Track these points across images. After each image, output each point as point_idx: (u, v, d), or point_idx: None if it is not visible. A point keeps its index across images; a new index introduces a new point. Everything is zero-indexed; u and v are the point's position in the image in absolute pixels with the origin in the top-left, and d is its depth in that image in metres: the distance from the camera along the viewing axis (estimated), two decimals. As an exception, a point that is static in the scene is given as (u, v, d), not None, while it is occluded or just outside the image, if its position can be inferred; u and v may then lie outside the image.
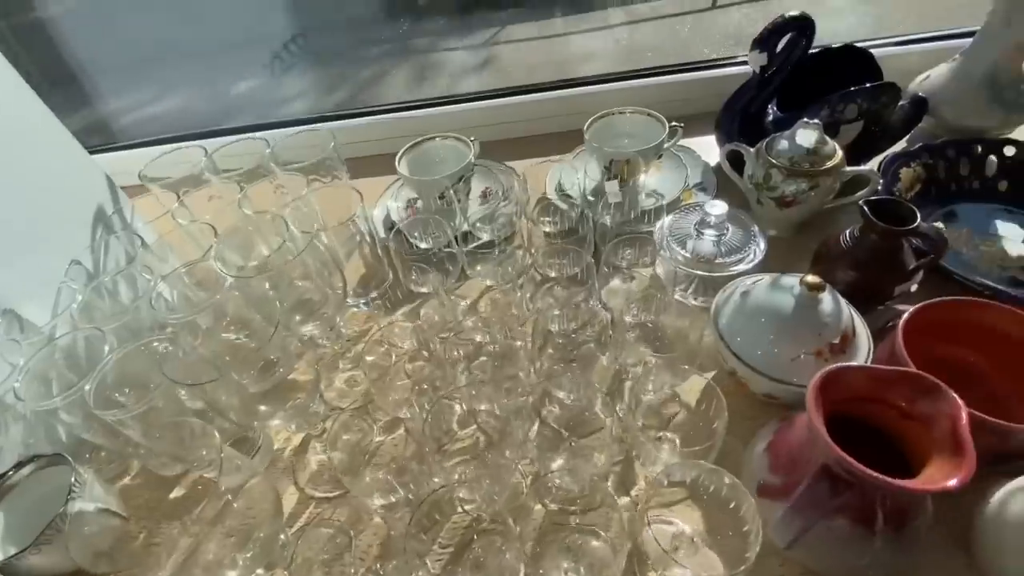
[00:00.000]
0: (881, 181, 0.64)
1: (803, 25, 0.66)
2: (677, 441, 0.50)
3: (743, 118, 0.74)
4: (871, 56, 0.73)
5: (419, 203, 0.81)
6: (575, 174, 0.74)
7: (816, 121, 0.61)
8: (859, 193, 0.65)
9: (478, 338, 0.59)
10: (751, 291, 0.50)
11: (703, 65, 0.91)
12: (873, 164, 0.70)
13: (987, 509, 0.39)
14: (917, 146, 0.68)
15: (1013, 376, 0.46)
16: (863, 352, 0.46)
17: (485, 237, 0.67)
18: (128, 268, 0.64)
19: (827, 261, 0.57)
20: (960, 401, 0.34)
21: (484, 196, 0.82)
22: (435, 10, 2.20)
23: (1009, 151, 0.67)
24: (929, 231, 0.50)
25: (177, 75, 1.96)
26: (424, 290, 0.64)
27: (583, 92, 0.92)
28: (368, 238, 0.67)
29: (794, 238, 0.69)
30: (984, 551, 0.39)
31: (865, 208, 0.52)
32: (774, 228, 0.70)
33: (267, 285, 0.59)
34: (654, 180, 0.79)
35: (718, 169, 0.76)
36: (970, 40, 0.71)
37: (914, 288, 0.55)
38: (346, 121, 0.98)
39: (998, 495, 0.40)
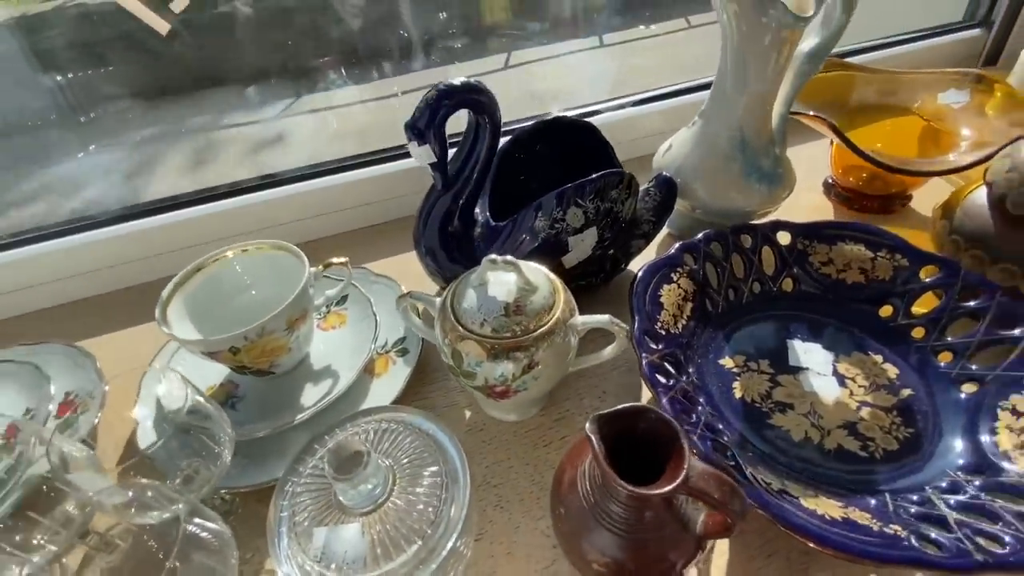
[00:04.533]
0: (636, 322, 0.41)
1: (474, 99, 0.42)
2: None
3: (443, 236, 0.47)
4: (595, 130, 0.52)
5: None
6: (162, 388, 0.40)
7: (507, 258, 0.35)
8: (605, 351, 0.40)
9: None
10: None
11: (384, 156, 0.66)
12: (634, 264, 0.48)
13: None
14: (673, 249, 0.47)
15: None
16: None
17: None
18: None
19: (566, 521, 0.30)
20: None
21: (11, 435, 0.44)
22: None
23: (785, 238, 0.50)
24: (703, 482, 0.26)
25: None
26: None
27: (192, 216, 0.59)
28: None
29: (540, 417, 0.44)
30: None
31: (592, 440, 0.26)
32: (501, 414, 0.43)
33: None
34: (331, 346, 0.48)
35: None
36: (707, 94, 0.53)
37: (708, 547, 0.30)
38: None
39: None
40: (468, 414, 0.44)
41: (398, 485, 0.32)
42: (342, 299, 0.51)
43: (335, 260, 0.46)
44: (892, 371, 0.43)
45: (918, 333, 0.44)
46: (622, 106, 0.72)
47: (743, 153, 0.51)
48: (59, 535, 0.30)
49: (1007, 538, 0.29)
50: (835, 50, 0.50)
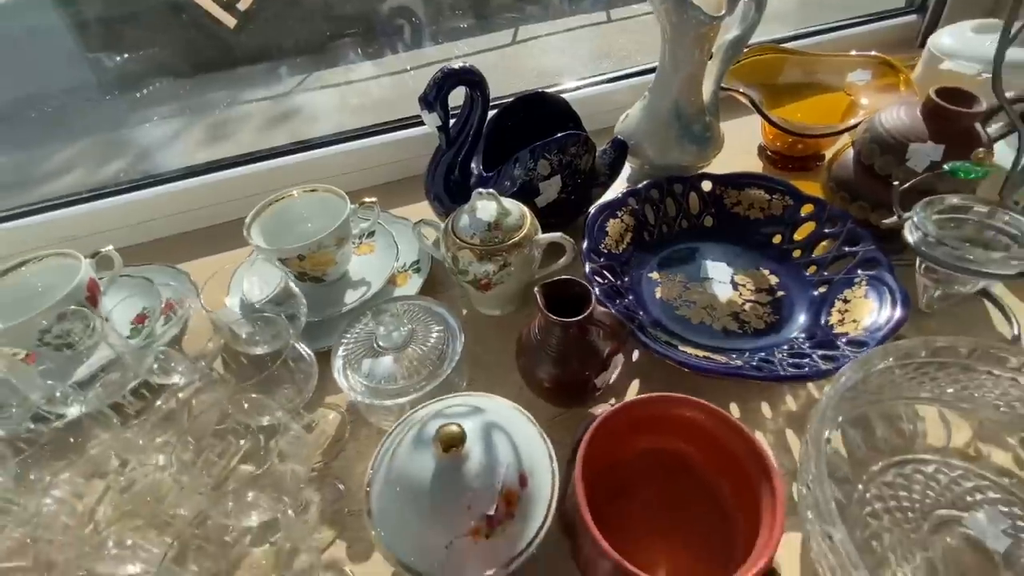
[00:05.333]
0: (586, 239, 0.57)
1: (470, 78, 0.58)
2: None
3: (447, 184, 0.63)
4: (566, 103, 0.67)
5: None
6: (247, 282, 0.57)
7: (490, 191, 0.51)
8: (560, 261, 0.57)
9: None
10: (402, 465, 0.37)
11: (399, 125, 0.82)
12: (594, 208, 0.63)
13: None
14: (620, 193, 0.63)
15: (714, 461, 0.38)
16: (543, 500, 0.35)
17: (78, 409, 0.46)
18: None
19: (524, 357, 0.47)
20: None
21: (140, 321, 0.61)
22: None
23: (706, 185, 0.65)
24: (603, 318, 0.42)
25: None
26: None
27: (248, 173, 0.76)
28: None
29: (516, 315, 0.60)
30: None
31: (537, 296, 0.43)
32: (487, 308, 0.59)
33: None
34: (363, 266, 0.65)
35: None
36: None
37: (615, 376, 0.47)
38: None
39: None
40: (464, 312, 0.61)
41: (416, 337, 0.48)
42: (371, 233, 0.67)
43: (367, 200, 0.62)
44: (773, 279, 0.58)
45: (796, 253, 0.59)
46: (598, 83, 0.87)
47: (678, 121, 0.66)
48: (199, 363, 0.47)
49: (806, 368, 0.45)
50: (785, 34, 0.64)
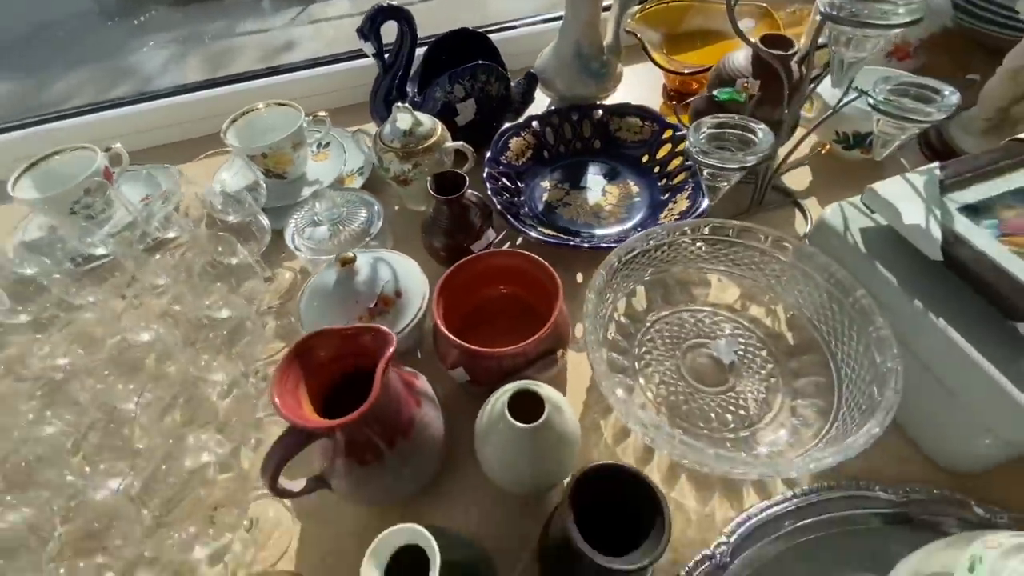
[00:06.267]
0: (490, 151, 0.73)
1: (398, 13, 0.72)
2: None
3: (386, 104, 0.79)
4: (487, 38, 0.81)
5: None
6: (221, 176, 0.74)
7: (406, 105, 0.67)
8: (465, 166, 0.73)
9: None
10: (319, 278, 0.54)
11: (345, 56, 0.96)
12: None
13: (477, 421, 0.47)
14: (524, 118, 0.78)
15: (539, 297, 0.55)
16: (414, 306, 0.53)
17: (108, 253, 0.64)
18: None
19: (425, 231, 0.64)
20: (390, 337, 0.40)
21: (145, 200, 0.78)
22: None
23: (598, 114, 0.80)
24: (472, 199, 0.59)
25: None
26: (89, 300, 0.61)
27: (229, 91, 0.91)
28: None
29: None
30: (479, 452, 0.47)
31: (429, 182, 0.59)
32: (411, 204, 0.76)
33: None
34: (319, 170, 0.81)
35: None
36: (566, 19, 0.82)
37: (492, 239, 0.64)
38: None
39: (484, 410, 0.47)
40: (396, 208, 0.78)
41: (347, 216, 0.65)
42: (326, 144, 0.83)
43: (319, 113, 0.77)
44: (635, 188, 0.75)
45: (656, 169, 0.75)
46: (528, 25, 1.00)
47: (579, 59, 0.80)
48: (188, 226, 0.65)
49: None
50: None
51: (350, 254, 0.51)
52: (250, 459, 0.52)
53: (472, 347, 0.48)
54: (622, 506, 0.37)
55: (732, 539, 0.44)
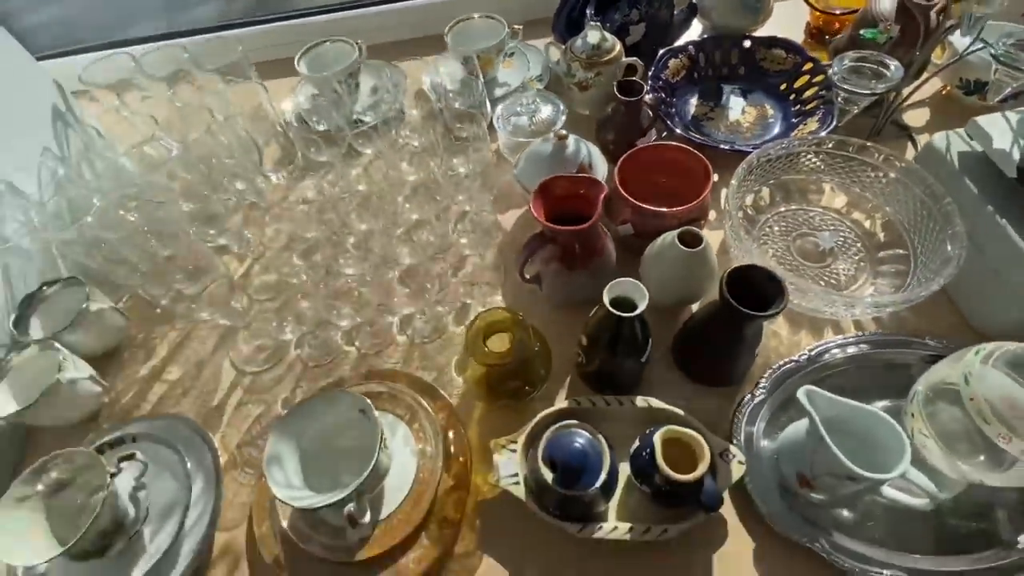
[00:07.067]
0: (652, 69, 0.90)
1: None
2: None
3: (567, 22, 0.96)
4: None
5: (320, 97, 1.01)
6: (440, 70, 0.96)
7: (597, 23, 0.85)
8: (635, 77, 0.90)
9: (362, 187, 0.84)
10: (535, 148, 0.76)
11: None
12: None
13: (648, 251, 0.69)
14: (683, 43, 0.94)
15: (689, 185, 0.75)
16: (600, 174, 0.74)
17: (370, 121, 0.89)
18: (87, 153, 0.84)
19: (600, 126, 0.84)
20: (601, 184, 0.62)
21: (374, 91, 1.03)
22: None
23: (746, 44, 0.94)
24: (649, 101, 0.77)
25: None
26: (323, 159, 0.87)
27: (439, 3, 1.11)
28: (278, 126, 0.88)
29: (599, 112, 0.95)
30: (643, 274, 0.69)
31: (615, 87, 0.78)
32: (581, 107, 0.95)
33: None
34: (507, 74, 1.02)
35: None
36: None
37: (653, 139, 0.83)
38: (249, 28, 1.13)
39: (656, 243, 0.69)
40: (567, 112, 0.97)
41: (538, 109, 0.86)
42: (510, 54, 1.03)
43: (515, 26, 0.96)
44: (771, 111, 0.90)
45: (792, 96, 0.90)
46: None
47: (738, -6, 0.93)
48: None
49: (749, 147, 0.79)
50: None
51: (563, 132, 0.72)
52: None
53: (645, 206, 0.68)
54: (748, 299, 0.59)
55: (812, 352, 0.65)
